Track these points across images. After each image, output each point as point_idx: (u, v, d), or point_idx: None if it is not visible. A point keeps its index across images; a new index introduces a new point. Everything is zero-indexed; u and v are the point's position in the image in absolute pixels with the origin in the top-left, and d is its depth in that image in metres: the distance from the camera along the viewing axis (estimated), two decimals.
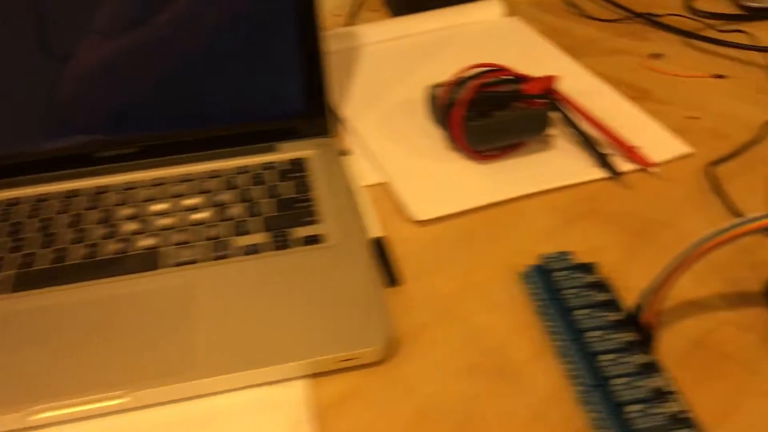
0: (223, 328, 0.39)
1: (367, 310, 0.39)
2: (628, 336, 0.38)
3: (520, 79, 0.53)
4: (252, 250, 0.44)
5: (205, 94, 0.51)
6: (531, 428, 0.35)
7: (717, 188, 0.49)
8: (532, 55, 0.66)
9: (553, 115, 0.54)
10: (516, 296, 0.42)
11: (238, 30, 0.50)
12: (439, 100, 0.53)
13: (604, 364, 0.36)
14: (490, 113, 0.50)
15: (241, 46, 0.50)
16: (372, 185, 0.51)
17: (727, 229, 0.34)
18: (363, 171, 0.52)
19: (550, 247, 0.45)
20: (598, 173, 0.51)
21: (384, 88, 0.61)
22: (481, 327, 0.40)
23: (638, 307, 0.38)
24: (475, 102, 0.50)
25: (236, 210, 0.47)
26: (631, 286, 0.42)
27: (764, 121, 0.55)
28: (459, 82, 0.52)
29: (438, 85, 0.54)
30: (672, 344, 0.39)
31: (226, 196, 0.48)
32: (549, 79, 0.52)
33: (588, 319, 0.38)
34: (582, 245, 0.45)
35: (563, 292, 0.40)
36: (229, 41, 0.50)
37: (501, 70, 0.53)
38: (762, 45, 0.65)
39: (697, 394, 0.36)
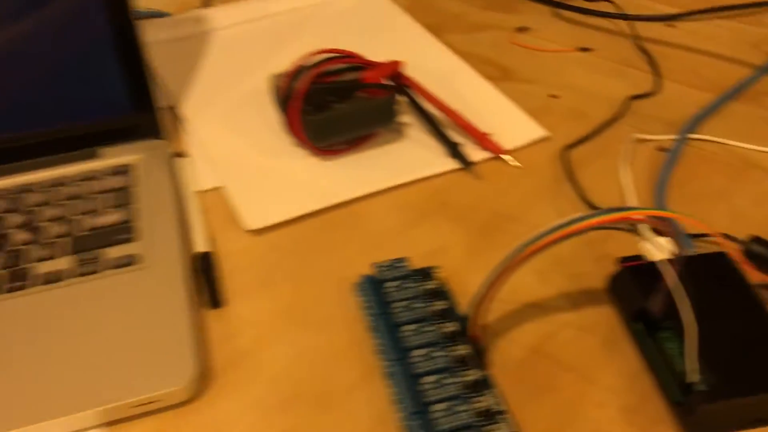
0: (7, 376, 0.34)
1: (174, 342, 0.35)
2: (461, 350, 0.35)
3: (366, 65, 0.49)
4: (53, 278, 0.39)
5: (12, 95, 0.45)
6: None
7: (570, 175, 0.47)
8: (391, 34, 0.62)
9: (404, 102, 0.51)
10: (348, 312, 0.39)
11: (44, 23, 0.44)
12: (279, 92, 0.49)
13: (426, 387, 0.33)
14: (331, 105, 0.46)
15: (50, 40, 0.44)
16: (208, 191, 0.47)
17: (538, 237, 0.31)
18: (199, 175, 0.48)
19: (394, 251, 0.41)
20: (450, 164, 0.48)
21: (231, 79, 0.56)
22: (307, 350, 0.37)
23: (464, 320, 0.35)
24: (312, 94, 0.46)
25: (45, 231, 0.42)
26: (469, 291, 0.39)
27: (626, 97, 0.53)
28: (298, 72, 0.48)
29: (279, 75, 0.50)
30: (508, 354, 0.36)
31: (32, 216, 0.43)
32: (394, 65, 0.49)
33: (414, 335, 0.35)
34: (427, 246, 0.42)
35: (393, 306, 0.37)
36: (35, 35, 0.44)
37: (346, 56, 0.50)
38: (628, 13, 0.63)
39: (530, 410, 0.34)
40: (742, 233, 0.41)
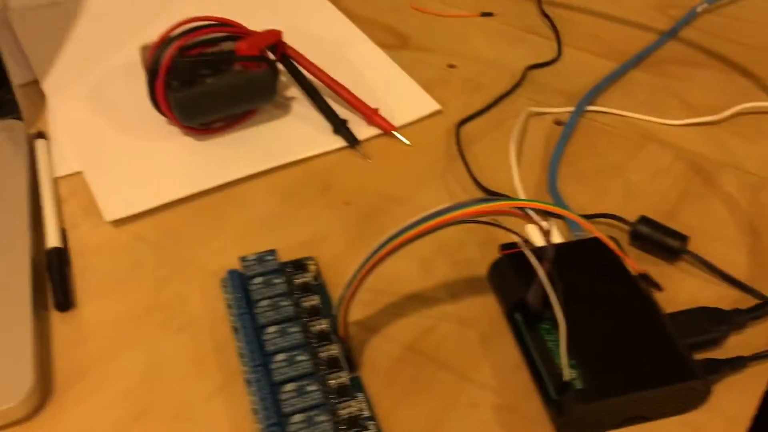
0: None
1: (11, 352, 0.32)
2: (329, 351, 0.33)
3: (243, 35, 0.45)
4: None
5: None
6: None
7: (462, 152, 0.44)
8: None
9: (286, 76, 0.47)
10: (214, 312, 0.35)
11: None
12: (145, 66, 0.44)
13: (286, 396, 0.30)
14: (201, 80, 0.42)
15: None
16: (70, 176, 0.43)
17: (402, 231, 0.28)
18: (61, 158, 0.43)
19: (269, 241, 0.38)
20: (335, 143, 0.45)
21: (102, 50, 0.51)
22: (165, 356, 0.34)
23: (333, 319, 0.33)
24: (179, 67, 0.42)
25: None
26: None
27: (525, 67, 0.51)
28: (165, 43, 0.44)
29: (146, 47, 0.45)
30: (382, 352, 0.34)
31: None
32: (273, 34, 0.45)
33: (278, 337, 0.32)
34: (306, 234, 0.39)
35: (258, 304, 0.34)
36: None
37: (220, 24, 0.45)
38: None
39: (400, 413, 0.31)
40: (638, 210, 0.39)
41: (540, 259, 0.30)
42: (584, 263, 0.34)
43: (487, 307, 0.35)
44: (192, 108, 0.42)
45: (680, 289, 0.36)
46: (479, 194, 0.42)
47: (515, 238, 0.30)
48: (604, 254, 0.32)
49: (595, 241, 0.34)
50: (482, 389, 0.32)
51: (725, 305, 0.34)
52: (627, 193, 0.41)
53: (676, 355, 0.30)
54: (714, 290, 0.36)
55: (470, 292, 0.36)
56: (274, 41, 0.45)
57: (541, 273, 0.29)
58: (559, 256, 0.34)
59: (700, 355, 0.32)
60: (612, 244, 0.31)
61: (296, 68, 0.46)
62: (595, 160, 0.44)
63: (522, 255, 0.34)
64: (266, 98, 0.44)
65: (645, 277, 0.33)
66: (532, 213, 0.29)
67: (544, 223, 0.29)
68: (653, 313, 0.32)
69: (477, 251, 0.38)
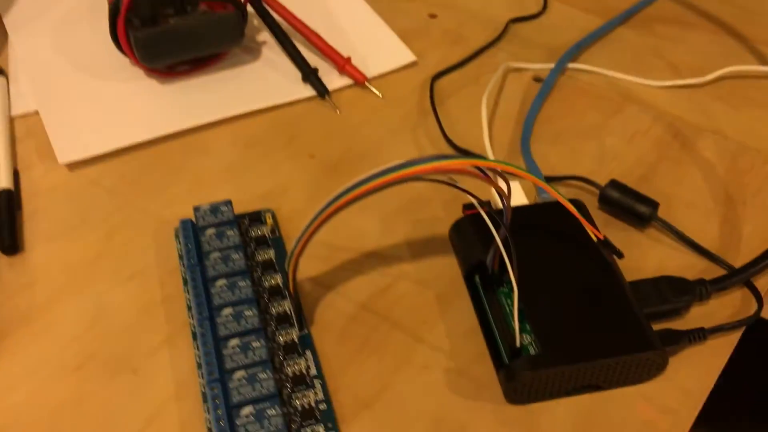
0: None
1: None
2: (280, 307, 0.32)
3: None
4: None
5: None
6: None
7: (435, 107, 0.42)
8: None
9: (256, 19, 0.45)
10: (166, 262, 0.34)
11: None
12: (109, 2, 0.42)
13: (229, 351, 0.29)
14: (165, 19, 0.41)
15: None
16: (27, 115, 0.41)
17: (359, 184, 0.27)
18: (20, 97, 0.42)
19: (229, 191, 0.37)
20: (304, 92, 0.43)
21: None
22: (113, 305, 0.33)
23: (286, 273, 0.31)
24: (142, 5, 0.40)
25: None
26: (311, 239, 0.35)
27: (508, 20, 0.48)
28: None
29: None
30: (336, 310, 0.33)
31: None
32: None
33: (226, 291, 0.31)
34: (267, 185, 0.38)
35: (209, 257, 0.33)
36: None
37: None
38: None
39: (349, 373, 0.30)
40: (611, 174, 0.37)
41: (498, 221, 0.29)
42: (546, 227, 0.33)
43: (447, 268, 0.34)
44: (153, 48, 0.40)
45: (647, 257, 0.35)
46: (449, 151, 0.40)
47: (472, 199, 0.29)
48: (567, 219, 0.31)
49: (559, 204, 0.33)
50: (435, 351, 0.31)
51: (692, 275, 0.33)
52: (602, 156, 0.40)
53: (633, 324, 0.29)
54: (682, 259, 0.35)
55: (431, 252, 0.35)
56: None
57: (497, 235, 0.28)
58: (520, 219, 0.33)
59: (660, 325, 0.31)
60: (573, 209, 0.29)
61: (267, 11, 0.44)
62: (572, 119, 0.42)
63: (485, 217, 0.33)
64: (233, 42, 0.42)
65: (606, 243, 0.32)
66: (490, 174, 0.28)
67: (502, 185, 0.28)
68: (613, 281, 0.31)
69: (442, 210, 0.37)
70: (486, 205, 0.34)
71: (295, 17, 0.44)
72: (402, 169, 0.27)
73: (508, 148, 0.40)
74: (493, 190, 0.35)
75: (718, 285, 0.32)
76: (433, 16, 0.49)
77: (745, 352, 0.34)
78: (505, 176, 0.29)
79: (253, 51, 0.45)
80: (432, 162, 0.27)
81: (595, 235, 0.30)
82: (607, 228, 0.36)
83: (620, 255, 0.31)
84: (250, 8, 0.44)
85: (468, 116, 0.42)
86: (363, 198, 0.27)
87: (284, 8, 0.45)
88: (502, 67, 0.43)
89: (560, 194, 0.29)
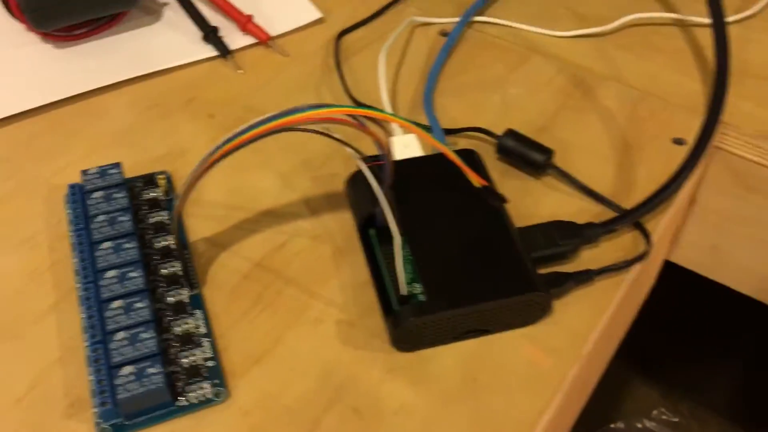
0: None
1: None
2: (170, 268, 0.31)
3: None
4: None
5: None
6: (25, 402, 0.28)
7: (339, 64, 0.42)
8: None
9: None
10: (55, 227, 0.34)
11: None
12: None
13: (112, 313, 0.29)
14: None
15: None
16: None
17: (232, 138, 0.27)
18: None
19: (123, 155, 0.36)
20: (204, 52, 0.42)
21: None
22: (1, 271, 0.32)
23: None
24: None
25: None
26: (206, 199, 0.35)
27: None
28: None
29: None
30: (230, 269, 0.32)
31: None
32: None
33: (111, 254, 0.31)
34: (163, 148, 0.37)
35: (95, 219, 0.32)
36: None
37: None
38: None
39: (239, 330, 0.30)
40: (513, 125, 0.37)
41: (382, 173, 0.29)
42: (437, 177, 0.33)
43: (343, 223, 0.34)
44: (42, 11, 0.39)
45: (541, 204, 0.35)
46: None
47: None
48: (453, 169, 0.31)
49: (436, 157, 0.33)
50: (328, 305, 0.31)
51: (585, 219, 0.34)
52: (505, 107, 0.40)
53: (518, 267, 0.30)
54: (576, 205, 0.35)
55: (329, 208, 0.35)
56: None
57: (375, 187, 0.28)
58: (412, 170, 0.33)
59: (550, 269, 0.32)
60: (453, 156, 0.29)
61: None
62: (477, 72, 0.42)
63: (378, 169, 0.33)
64: (126, 3, 0.41)
65: (489, 190, 0.32)
66: (367, 123, 0.28)
67: (381, 135, 0.28)
68: (499, 227, 0.31)
69: (341, 166, 0.36)
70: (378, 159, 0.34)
71: None
72: (278, 118, 0.27)
73: (410, 103, 0.40)
74: (391, 142, 0.35)
75: (607, 227, 0.32)
76: None
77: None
78: (385, 126, 0.28)
79: (153, 11, 0.44)
80: (307, 111, 0.27)
81: (479, 182, 0.30)
82: (504, 177, 0.36)
83: (504, 200, 0.31)
84: None
85: (373, 73, 0.41)
86: (241, 147, 0.27)
87: None
88: (405, 22, 0.43)
89: (444, 144, 0.29)
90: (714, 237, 0.43)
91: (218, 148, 0.27)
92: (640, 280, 0.37)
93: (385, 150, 0.29)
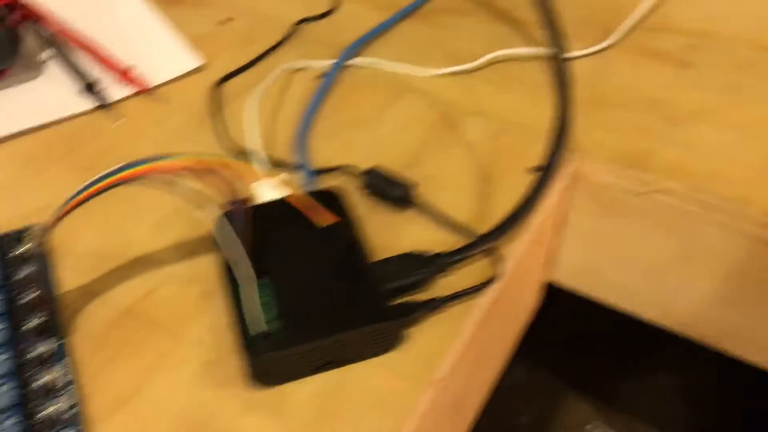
0: None
1: None
2: (36, 319, 0.32)
3: None
4: None
5: None
6: None
7: (219, 111, 0.44)
8: None
9: (34, 33, 0.45)
10: None
11: None
12: None
13: None
14: None
15: None
16: None
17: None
18: None
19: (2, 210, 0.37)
20: (84, 105, 0.43)
21: None
22: None
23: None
24: None
25: None
26: (74, 250, 0.36)
27: (298, 20, 0.50)
28: None
29: None
30: (99, 317, 0.33)
31: None
32: None
33: None
34: (39, 202, 0.37)
35: None
36: None
37: None
38: None
39: (105, 377, 0.31)
40: (382, 162, 0.40)
41: (238, 217, 0.31)
42: (293, 217, 0.34)
43: (214, 265, 0.36)
44: None
45: (404, 236, 0.37)
46: (230, 153, 0.41)
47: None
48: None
49: (315, 194, 0.35)
50: (195, 346, 0.32)
51: (444, 249, 0.36)
52: (376, 145, 0.42)
53: (369, 299, 0.31)
54: (436, 236, 0.37)
55: (200, 251, 0.36)
56: (11, 1, 0.43)
57: (217, 233, 0.30)
58: (272, 212, 0.35)
59: (405, 299, 0.33)
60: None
61: (42, 27, 0.44)
62: (351, 112, 0.44)
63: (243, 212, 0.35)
64: (7, 61, 0.42)
65: (344, 227, 0.33)
66: (222, 170, 0.30)
67: (227, 182, 0.30)
68: (354, 262, 0.33)
69: (215, 209, 0.38)
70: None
71: (68, 31, 0.45)
72: (112, 175, 0.28)
73: (286, 146, 0.42)
74: (254, 187, 0.37)
75: (455, 256, 0.34)
76: (230, 19, 0.50)
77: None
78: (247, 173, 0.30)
79: (35, 67, 0.45)
80: (145, 164, 0.28)
81: (329, 220, 0.32)
82: (371, 212, 0.38)
83: (355, 236, 0.33)
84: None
85: (249, 119, 0.43)
86: (79, 207, 0.28)
87: (56, 22, 0.45)
88: (280, 68, 0.45)
89: (313, 183, 0.31)
90: (587, 257, 0.46)
91: (67, 202, 0.29)
92: (506, 303, 0.39)
93: (235, 196, 0.30)
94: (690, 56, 0.46)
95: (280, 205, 0.35)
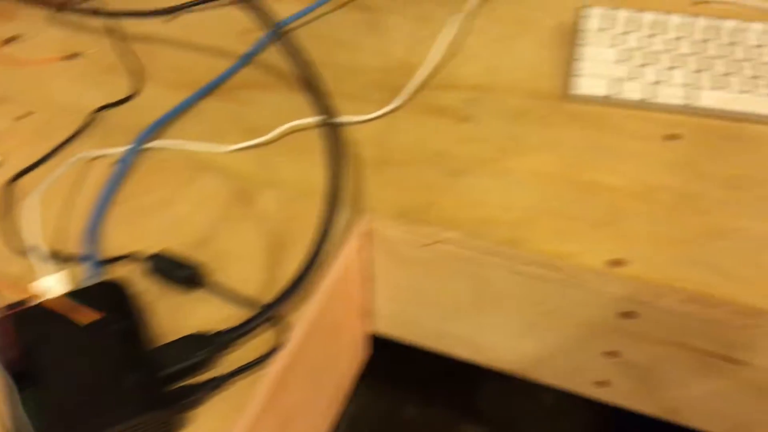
0: None
1: None
2: None
3: None
4: None
5: None
6: None
7: (7, 211, 0.43)
8: None
9: None
10: None
11: None
12: None
13: None
14: None
15: None
16: None
17: None
18: None
19: None
20: None
21: None
22: None
23: None
24: None
25: None
26: None
27: (95, 109, 0.51)
28: None
29: None
30: None
31: None
32: None
33: None
34: None
35: None
36: None
37: None
38: (119, 10, 0.59)
39: None
40: (177, 243, 0.40)
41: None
42: (55, 322, 0.34)
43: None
44: None
45: (193, 317, 0.38)
46: (18, 255, 0.41)
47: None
48: (102, 299, 0.34)
49: (97, 286, 0.36)
50: None
51: (235, 325, 0.37)
52: (171, 227, 0.43)
53: (144, 388, 0.32)
54: (226, 312, 0.38)
55: None
56: None
57: None
58: (33, 320, 0.34)
59: (190, 381, 0.34)
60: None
61: None
62: (148, 196, 0.45)
63: (24, 313, 0.34)
64: None
65: (117, 319, 0.34)
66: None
67: None
68: (130, 352, 0.33)
69: None
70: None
71: None
72: None
73: (76, 239, 0.42)
74: (35, 284, 0.37)
75: (240, 330, 0.36)
76: (26, 115, 0.50)
77: None
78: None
79: None
80: None
81: (92, 317, 0.33)
82: (160, 298, 0.39)
83: (131, 328, 0.34)
84: None
85: (47, 212, 0.43)
86: None
87: None
88: (75, 158, 0.45)
89: (99, 275, 0.31)
90: (401, 307, 0.48)
91: None
92: (315, 362, 0.40)
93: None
94: (470, 110, 0.50)
95: (41, 310, 0.35)
